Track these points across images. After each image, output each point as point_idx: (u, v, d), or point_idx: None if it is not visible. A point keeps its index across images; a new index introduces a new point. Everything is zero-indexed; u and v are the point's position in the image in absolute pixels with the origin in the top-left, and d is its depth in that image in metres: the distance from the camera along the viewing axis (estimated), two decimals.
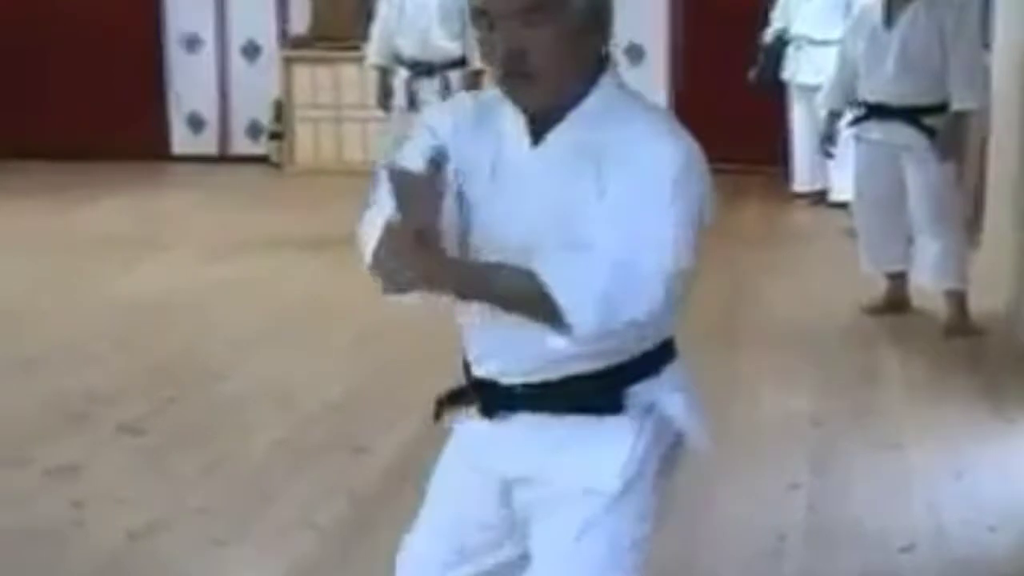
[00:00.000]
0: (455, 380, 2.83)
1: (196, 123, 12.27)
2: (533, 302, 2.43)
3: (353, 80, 11.28)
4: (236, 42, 12.14)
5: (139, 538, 4.60)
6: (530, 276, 2.41)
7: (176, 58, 12.26)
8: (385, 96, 8.85)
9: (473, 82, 8.65)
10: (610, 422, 2.61)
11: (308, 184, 11.14)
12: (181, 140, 12.32)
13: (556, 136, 2.53)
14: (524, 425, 2.67)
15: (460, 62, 8.66)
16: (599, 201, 2.47)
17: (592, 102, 2.54)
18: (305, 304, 7.55)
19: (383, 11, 8.86)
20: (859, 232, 7.42)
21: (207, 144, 12.26)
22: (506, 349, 2.59)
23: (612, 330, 2.44)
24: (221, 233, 9.30)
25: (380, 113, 9.06)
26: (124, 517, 4.73)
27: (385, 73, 8.87)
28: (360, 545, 4.53)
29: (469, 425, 2.78)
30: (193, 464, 5.24)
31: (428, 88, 8.61)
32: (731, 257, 8.38)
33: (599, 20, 2.51)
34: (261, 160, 11.95)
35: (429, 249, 2.35)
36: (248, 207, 10.32)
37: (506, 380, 2.65)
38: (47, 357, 6.58)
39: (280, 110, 11.82)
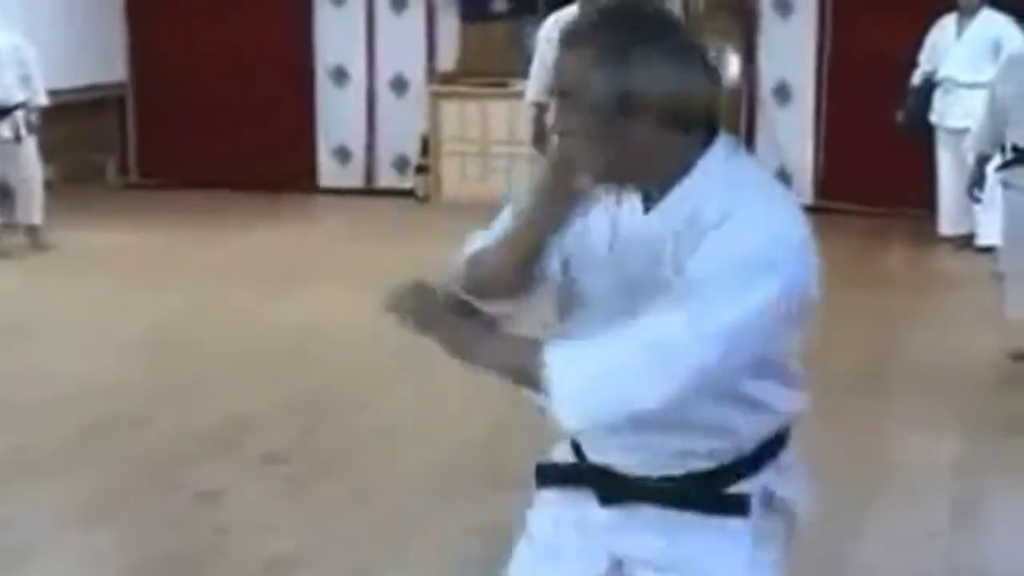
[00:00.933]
0: None
1: (343, 155, 12.46)
2: (527, 380, 2.47)
3: (500, 115, 11.38)
4: (384, 76, 12.31)
5: (277, 567, 4.67)
6: (533, 352, 2.43)
7: (325, 91, 12.46)
8: (539, 134, 8.91)
9: None
10: (733, 521, 2.56)
11: (453, 218, 11.21)
12: (328, 172, 12.52)
13: (658, 211, 2.44)
14: (645, 515, 2.60)
15: None
16: (674, 278, 2.37)
17: (694, 177, 2.42)
18: None
19: (542, 48, 8.91)
20: (1006, 278, 7.33)
21: (353, 177, 12.43)
22: (637, 444, 2.53)
23: (607, 419, 2.41)
24: (366, 266, 9.41)
25: (526, 149, 9.11)
26: (265, 545, 4.82)
27: (542, 111, 8.93)
28: None
29: (580, 503, 2.73)
30: (335, 495, 5.31)
31: None
32: (876, 302, 8.33)
33: (634, 105, 2.34)
34: (407, 194, 12.08)
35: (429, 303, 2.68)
36: (393, 240, 10.44)
37: (628, 471, 2.60)
38: (198, 384, 6.73)
39: (427, 144, 11.96)
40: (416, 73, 12.17)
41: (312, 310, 8.20)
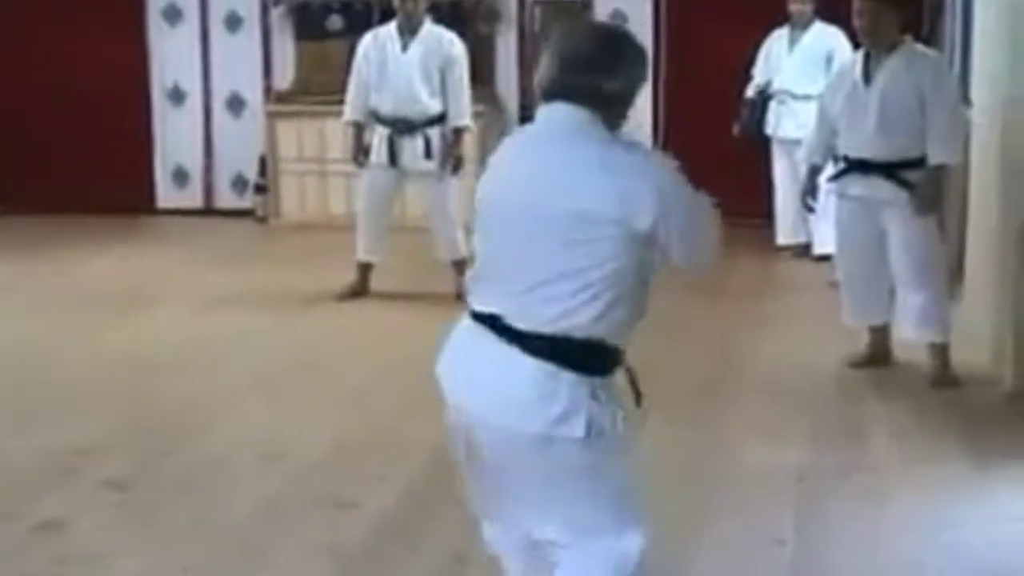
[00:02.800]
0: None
1: (181, 176, 12.32)
2: None
3: (338, 134, 11.32)
4: (221, 96, 12.20)
5: None
6: None
7: (162, 112, 12.31)
8: (360, 152, 8.88)
9: (454, 140, 8.70)
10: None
11: (293, 237, 11.17)
12: (166, 194, 12.37)
13: None
14: None
15: (439, 119, 8.71)
16: None
17: None
18: (293, 361, 7.55)
19: (358, 65, 8.87)
20: (842, 286, 7.46)
21: (192, 198, 12.31)
22: None
23: None
24: (207, 288, 9.33)
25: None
26: (107, 574, 4.73)
27: (360, 129, 8.90)
28: None
29: None
30: (179, 521, 5.23)
31: (409, 145, 8.66)
32: (717, 310, 8.44)
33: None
34: (246, 214, 11.97)
35: None
36: (234, 262, 10.35)
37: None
38: (36, 412, 6.59)
39: (264, 164, 11.86)
40: (253, 92, 12.09)
41: (152, 335, 8.08)
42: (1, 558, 4.89)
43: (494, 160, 3.59)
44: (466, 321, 3.53)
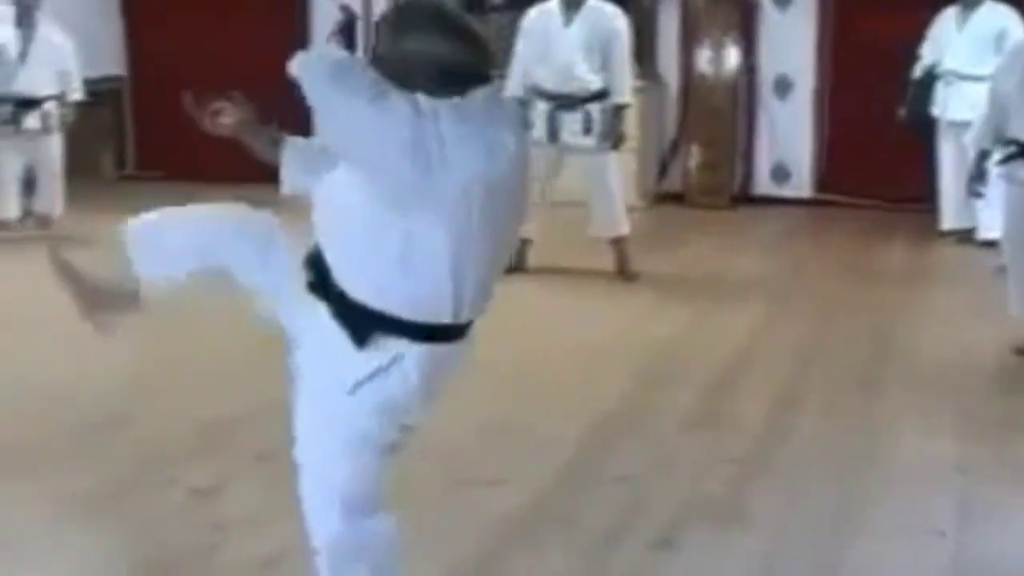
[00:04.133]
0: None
1: None
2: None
3: None
4: None
5: (273, 565, 4.62)
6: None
7: None
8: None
9: (615, 116, 8.63)
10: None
11: None
12: None
13: None
14: None
15: (601, 95, 8.65)
16: None
17: None
18: None
19: (520, 45, 8.84)
20: (1009, 274, 7.28)
21: None
22: None
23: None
24: None
25: None
26: (262, 539, 4.77)
27: (525, 105, 8.87)
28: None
29: None
30: None
31: (569, 121, 8.61)
32: (877, 296, 8.29)
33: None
34: None
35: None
36: None
37: None
38: (190, 384, 6.69)
39: None
40: None
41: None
42: (161, 521, 4.95)
43: None
44: None
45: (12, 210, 10.28)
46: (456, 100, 3.23)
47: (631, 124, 9.19)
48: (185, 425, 6.00)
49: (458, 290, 3.33)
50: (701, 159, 11.61)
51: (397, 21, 3.34)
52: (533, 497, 5.21)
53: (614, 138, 8.68)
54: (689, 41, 11.66)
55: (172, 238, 3.80)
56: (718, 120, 11.59)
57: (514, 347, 7.24)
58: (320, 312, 3.45)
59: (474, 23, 3.35)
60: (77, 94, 10.27)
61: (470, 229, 3.25)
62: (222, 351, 7.25)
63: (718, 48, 11.58)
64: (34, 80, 9.98)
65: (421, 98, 3.19)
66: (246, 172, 11.71)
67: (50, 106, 10.05)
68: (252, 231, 3.71)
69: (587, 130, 8.62)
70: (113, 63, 12.86)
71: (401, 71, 3.25)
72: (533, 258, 8.90)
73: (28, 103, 10.00)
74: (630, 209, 9.14)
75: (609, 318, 7.87)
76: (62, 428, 5.92)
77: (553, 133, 8.64)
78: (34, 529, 4.89)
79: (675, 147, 11.82)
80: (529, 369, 6.88)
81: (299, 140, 3.76)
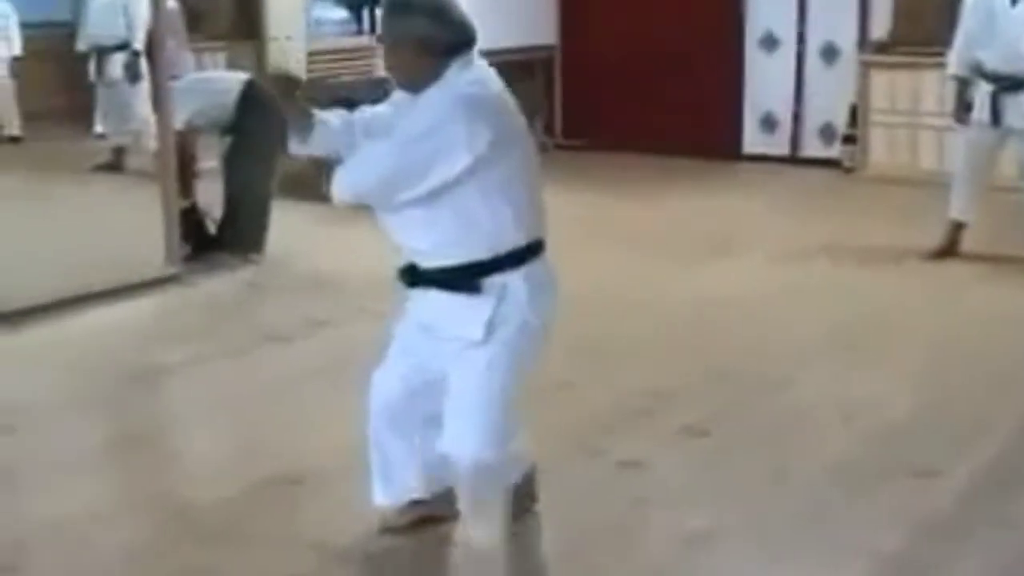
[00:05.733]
0: None
1: (769, 124, 12.33)
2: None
3: (932, 87, 11.01)
4: (815, 43, 12.10)
5: (697, 541, 4.63)
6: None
7: (753, 58, 12.35)
8: (962, 109, 8.57)
9: None
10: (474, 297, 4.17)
11: (879, 191, 10.97)
12: (753, 140, 12.43)
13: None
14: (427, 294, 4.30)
15: None
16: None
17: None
18: (871, 317, 7.43)
19: (967, 22, 8.55)
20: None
21: (779, 145, 12.30)
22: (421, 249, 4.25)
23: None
24: (788, 237, 9.30)
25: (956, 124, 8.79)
26: (685, 519, 4.79)
27: (964, 85, 8.59)
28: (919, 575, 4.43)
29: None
30: (755, 474, 5.23)
31: (1013, 103, 8.28)
32: None
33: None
34: (832, 164, 11.87)
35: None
36: (818, 211, 10.28)
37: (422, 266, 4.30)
38: (615, 354, 6.75)
39: (855, 114, 11.70)
40: (848, 41, 11.90)
41: (733, 281, 8.13)
42: (585, 492, 5.03)
43: None
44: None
45: None
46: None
47: None
48: (611, 396, 6.08)
49: (519, 216, 4.19)
50: None
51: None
52: (964, 490, 5.06)
53: None
54: None
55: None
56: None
57: (940, 331, 7.09)
58: (433, 299, 4.27)
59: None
60: None
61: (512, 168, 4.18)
62: (645, 320, 7.33)
63: None
64: None
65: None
66: (674, 144, 12.05)
67: None
68: None
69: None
70: (547, 32, 13.11)
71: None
72: (970, 242, 8.63)
73: None
74: None
75: None
76: None
77: (996, 116, 8.33)
78: None
79: None
80: (957, 355, 6.70)
81: (332, 120, 4.36)
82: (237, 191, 8.84)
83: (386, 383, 4.49)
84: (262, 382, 6.47)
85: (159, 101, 8.22)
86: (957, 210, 8.67)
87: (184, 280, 8.22)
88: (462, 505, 4.61)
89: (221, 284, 8.30)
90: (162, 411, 6.21)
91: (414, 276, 4.30)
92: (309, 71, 11.24)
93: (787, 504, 4.96)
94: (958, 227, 8.67)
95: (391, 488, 4.57)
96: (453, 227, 4.12)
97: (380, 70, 10.35)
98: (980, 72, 8.42)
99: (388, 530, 4.62)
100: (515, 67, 11.88)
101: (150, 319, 7.64)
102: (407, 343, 4.44)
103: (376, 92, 4.92)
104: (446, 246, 4.17)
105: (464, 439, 4.26)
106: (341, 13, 12.27)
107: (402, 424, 4.48)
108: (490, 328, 4.17)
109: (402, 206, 4.10)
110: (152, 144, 8.23)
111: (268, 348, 6.97)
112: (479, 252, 4.15)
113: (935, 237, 8.68)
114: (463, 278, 4.18)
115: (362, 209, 4.25)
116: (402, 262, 4.32)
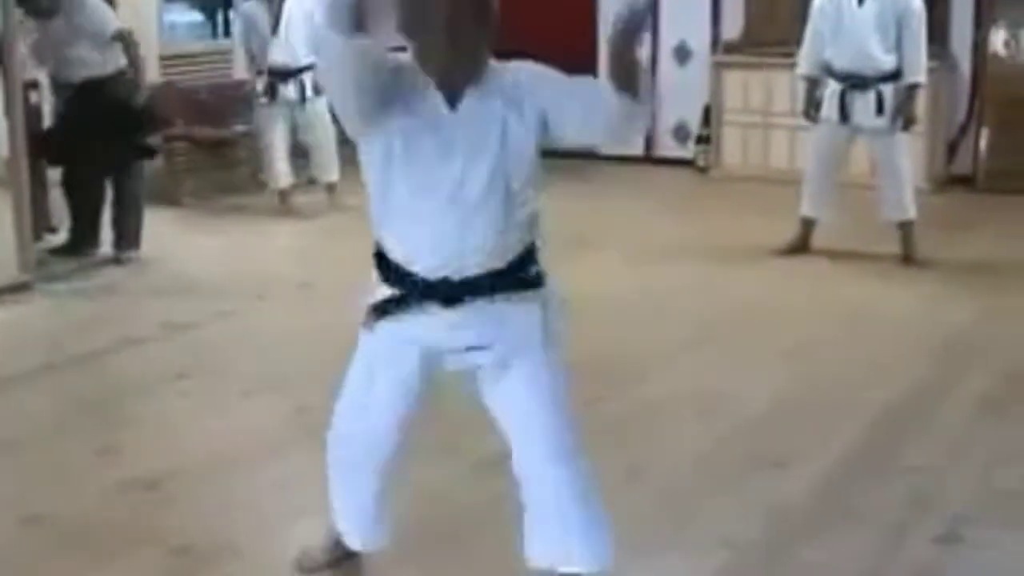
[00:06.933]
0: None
1: None
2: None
3: (783, 87, 11.18)
4: (667, 44, 12.22)
5: None
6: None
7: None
8: (811, 107, 8.71)
9: (907, 96, 8.41)
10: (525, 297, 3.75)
11: (733, 190, 11.12)
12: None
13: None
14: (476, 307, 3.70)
15: (894, 75, 8.44)
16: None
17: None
18: (729, 312, 7.52)
19: (814, 17, 8.70)
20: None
21: (633, 145, 12.37)
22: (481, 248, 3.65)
23: None
24: (646, 235, 9.38)
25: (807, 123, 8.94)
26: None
27: (813, 84, 8.73)
28: (776, 564, 4.48)
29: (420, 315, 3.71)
30: (611, 469, 5.23)
31: (861, 101, 8.43)
32: None
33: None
34: (686, 163, 11.99)
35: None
36: (673, 210, 10.39)
37: (461, 277, 3.66)
38: None
39: (708, 114, 11.84)
40: (700, 42, 12.05)
41: (591, 279, 8.15)
42: (441, 490, 5.02)
43: None
44: None
45: (284, 179, 10.47)
46: None
47: (921, 106, 8.95)
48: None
49: None
50: (993, 142, 11.27)
51: None
52: (820, 481, 5.15)
53: (905, 119, 8.46)
54: (984, 21, 11.32)
55: None
56: (1013, 102, 11.23)
57: (796, 326, 7.19)
58: (480, 312, 3.77)
59: None
60: None
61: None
62: None
63: (1015, 28, 11.21)
64: (288, 51, 10.12)
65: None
66: None
67: (306, 75, 10.08)
68: None
69: (879, 111, 8.42)
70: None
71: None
72: (823, 239, 8.77)
73: (283, 73, 10.18)
74: (917, 192, 8.91)
75: (896, 302, 7.71)
76: None
77: (845, 114, 8.47)
78: None
79: (965, 130, 11.50)
80: (814, 350, 6.81)
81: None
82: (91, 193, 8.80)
83: (374, 435, 3.95)
84: (116, 387, 6.40)
85: (10, 107, 8.07)
86: (808, 207, 8.81)
87: (37, 287, 8.09)
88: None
89: (75, 290, 8.18)
90: (14, 419, 6.10)
91: (454, 290, 3.68)
92: (163, 75, 11.12)
93: (644, 499, 4.97)
94: (809, 223, 8.81)
95: (369, 534, 4.18)
96: (530, 211, 3.78)
97: (237, 74, 10.34)
98: (828, 71, 8.57)
99: (309, 570, 4.31)
100: None
101: (1, 327, 7.50)
102: (404, 382, 3.86)
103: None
104: (518, 238, 3.77)
105: (557, 458, 3.85)
106: (195, 16, 12.17)
107: (389, 470, 4.05)
108: (546, 329, 3.82)
109: (493, 191, 3.63)
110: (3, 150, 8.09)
111: (123, 352, 6.89)
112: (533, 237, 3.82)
113: (788, 233, 8.81)
114: (524, 273, 3.80)
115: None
116: (421, 277, 3.69)
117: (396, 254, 3.70)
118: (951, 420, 5.83)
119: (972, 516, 4.80)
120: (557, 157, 4.00)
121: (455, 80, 3.58)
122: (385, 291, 3.77)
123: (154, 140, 9.42)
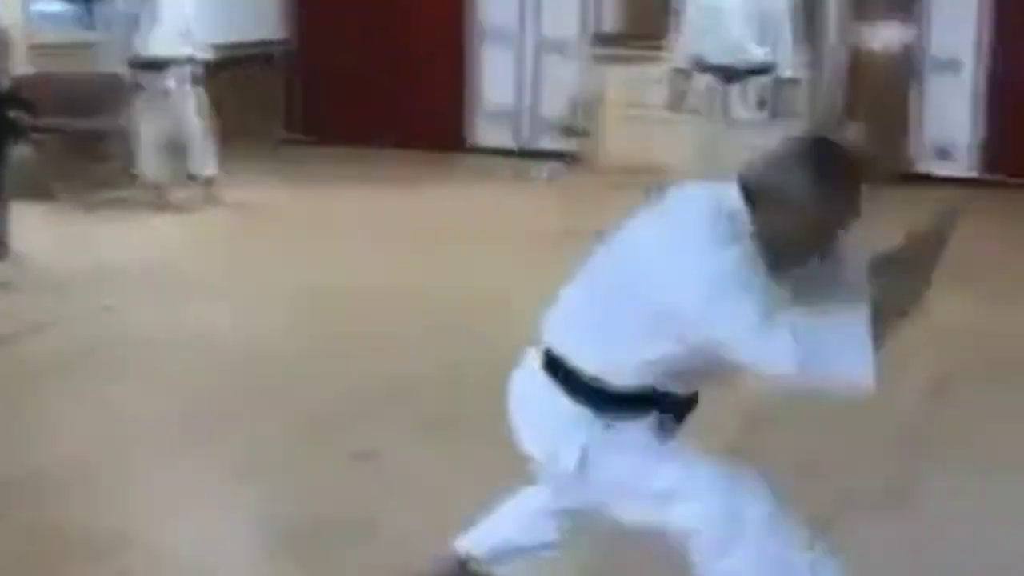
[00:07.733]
0: None
1: (499, 117, 12.43)
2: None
3: (660, 79, 11.23)
4: (544, 37, 12.26)
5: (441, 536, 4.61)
6: None
7: (481, 52, 12.45)
8: (681, 100, 8.78)
9: (778, 89, 8.51)
10: None
11: (610, 183, 11.11)
12: (484, 133, 12.53)
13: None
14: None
15: (766, 69, 8.53)
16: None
17: None
18: None
19: (690, 13, 8.76)
20: None
21: (509, 138, 12.41)
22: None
23: None
24: (528, 225, 9.38)
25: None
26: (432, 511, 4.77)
27: (686, 76, 8.79)
28: None
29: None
30: (500, 464, 5.21)
31: (735, 93, 8.51)
32: None
33: None
34: (563, 156, 12.02)
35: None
36: (552, 202, 10.41)
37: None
38: (355, 349, 6.72)
39: (585, 107, 11.88)
40: (575, 35, 12.09)
41: (459, 271, 8.16)
42: (321, 483, 4.99)
43: None
44: None
45: (154, 171, 10.33)
46: None
47: (799, 100, 9.06)
48: (345, 388, 6.05)
49: None
50: (863, 136, 11.42)
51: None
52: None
53: (779, 112, 8.56)
54: (855, 17, 11.49)
55: None
56: (882, 97, 11.40)
57: None
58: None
59: None
60: (204, 53, 10.28)
61: None
62: (386, 313, 7.29)
63: (884, 25, 11.39)
64: (161, 43, 10.06)
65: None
66: (402, 137, 12.08)
67: (179, 68, 10.09)
68: None
69: (758, 104, 8.51)
70: (279, 25, 13.03)
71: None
72: None
73: (155, 65, 10.10)
74: None
75: None
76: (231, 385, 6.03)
77: (720, 106, 8.56)
78: (199, 488, 4.97)
79: (838, 124, 11.64)
80: None
81: None
82: None
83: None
84: None
85: None
86: None
87: None
88: None
89: None
90: None
91: (684, 408, 3.60)
92: (31, 66, 10.92)
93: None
94: None
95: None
96: None
97: (109, 66, 10.19)
98: (702, 64, 8.63)
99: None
100: (253, 62, 11.83)
101: None
102: None
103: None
104: None
105: None
106: (66, 6, 11.97)
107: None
108: None
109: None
110: None
111: None
112: None
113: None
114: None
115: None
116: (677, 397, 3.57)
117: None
118: None
119: None
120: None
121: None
122: None
123: (23, 122, 9.19)
